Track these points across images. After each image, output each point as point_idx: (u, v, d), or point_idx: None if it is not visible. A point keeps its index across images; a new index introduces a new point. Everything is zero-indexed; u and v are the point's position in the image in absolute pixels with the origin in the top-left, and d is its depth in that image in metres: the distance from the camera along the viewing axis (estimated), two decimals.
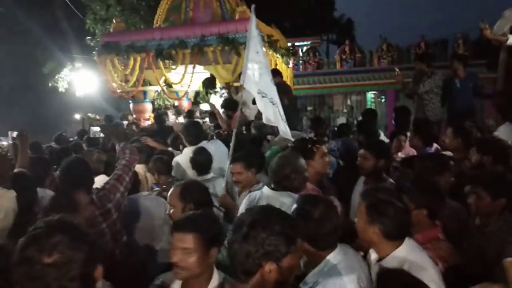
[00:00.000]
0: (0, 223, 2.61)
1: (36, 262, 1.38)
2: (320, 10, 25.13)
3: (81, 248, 1.46)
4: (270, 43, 7.93)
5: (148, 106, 8.62)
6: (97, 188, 3.15)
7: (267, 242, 1.55)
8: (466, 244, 2.62)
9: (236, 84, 7.38)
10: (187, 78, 7.73)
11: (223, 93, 8.22)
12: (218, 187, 3.62)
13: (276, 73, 6.79)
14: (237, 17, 7.72)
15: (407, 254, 2.02)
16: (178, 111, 7.76)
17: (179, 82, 7.76)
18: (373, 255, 2.17)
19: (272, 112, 3.74)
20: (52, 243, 1.41)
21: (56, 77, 15.39)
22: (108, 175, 3.51)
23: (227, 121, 6.10)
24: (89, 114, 8.06)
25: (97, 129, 8.00)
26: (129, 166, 3.32)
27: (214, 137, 5.03)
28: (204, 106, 9.13)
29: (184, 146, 4.72)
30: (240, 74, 6.95)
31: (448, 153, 4.27)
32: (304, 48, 16.12)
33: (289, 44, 10.70)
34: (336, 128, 6.55)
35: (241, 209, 2.85)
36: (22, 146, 3.55)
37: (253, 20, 3.82)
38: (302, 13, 23.64)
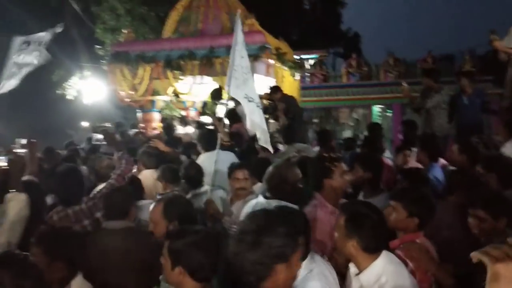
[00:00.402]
0: (10, 225, 2.62)
1: None
2: (327, 23, 25.29)
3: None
4: (278, 56, 8.00)
5: (156, 116, 8.69)
6: (88, 197, 3.19)
7: (275, 245, 1.58)
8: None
9: None
10: (195, 88, 7.80)
11: (227, 104, 8.25)
12: (215, 198, 3.58)
13: (276, 89, 6.85)
14: (245, 29, 7.79)
15: (384, 266, 2.04)
16: (185, 122, 7.82)
17: (187, 93, 7.83)
18: (352, 269, 2.17)
19: (259, 116, 3.77)
20: None
21: (65, 84, 15.56)
22: None
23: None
24: (97, 123, 8.15)
25: (100, 136, 8.05)
26: (123, 175, 3.37)
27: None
28: (206, 118, 9.20)
29: (195, 155, 4.76)
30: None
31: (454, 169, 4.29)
32: (311, 61, 16.20)
33: (296, 56, 10.78)
34: (341, 141, 6.58)
35: (241, 217, 2.88)
36: (30, 153, 3.61)
37: (239, 25, 3.88)
38: (309, 26, 23.81)
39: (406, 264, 2.20)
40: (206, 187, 3.67)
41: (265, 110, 6.58)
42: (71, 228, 2.77)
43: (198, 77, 7.62)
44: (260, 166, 3.85)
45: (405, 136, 5.66)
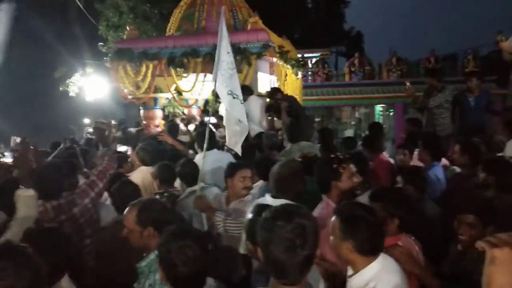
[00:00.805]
0: (19, 221, 2.60)
1: None
2: (330, 22, 25.26)
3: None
4: (281, 54, 8.00)
5: (159, 113, 8.70)
6: (68, 192, 3.20)
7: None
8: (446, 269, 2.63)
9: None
10: (198, 86, 7.79)
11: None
12: (209, 196, 3.61)
13: (276, 91, 6.86)
14: (249, 27, 7.79)
15: (377, 272, 1.98)
16: (188, 120, 7.81)
17: (190, 90, 7.83)
18: (349, 271, 2.13)
19: (241, 113, 3.72)
20: None
21: (67, 81, 15.58)
22: None
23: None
24: (102, 119, 8.13)
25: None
26: (104, 172, 3.36)
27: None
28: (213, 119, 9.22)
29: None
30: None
31: (457, 168, 4.29)
32: (314, 60, 16.19)
33: (299, 55, 10.77)
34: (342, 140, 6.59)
35: (248, 215, 2.87)
36: (23, 152, 3.63)
37: (223, 21, 3.87)
38: (312, 25, 23.79)
39: None
40: (202, 185, 3.67)
41: (268, 108, 6.59)
42: (58, 228, 2.76)
43: (201, 75, 7.62)
44: (261, 164, 3.88)
45: (409, 134, 5.66)
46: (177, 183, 4.24)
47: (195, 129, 6.93)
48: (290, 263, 1.56)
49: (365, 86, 14.77)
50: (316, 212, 2.80)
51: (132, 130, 8.59)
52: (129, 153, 5.90)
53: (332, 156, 3.09)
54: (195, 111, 9.47)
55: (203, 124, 7.43)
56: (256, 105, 6.59)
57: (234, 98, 3.60)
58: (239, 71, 7.47)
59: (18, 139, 5.07)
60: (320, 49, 17.22)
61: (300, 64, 9.55)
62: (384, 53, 15.88)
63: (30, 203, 2.61)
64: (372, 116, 15.43)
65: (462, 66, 14.26)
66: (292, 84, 9.14)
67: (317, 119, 16.14)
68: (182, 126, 7.33)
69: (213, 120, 8.87)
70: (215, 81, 3.53)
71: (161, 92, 8.33)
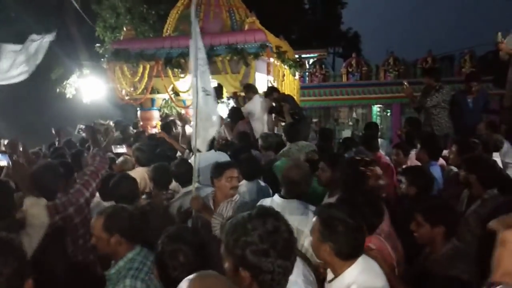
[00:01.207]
0: (32, 231, 2.59)
1: None
2: (327, 23, 25.31)
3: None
4: (279, 54, 7.99)
5: (156, 114, 8.67)
6: (62, 193, 3.21)
7: None
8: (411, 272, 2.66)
9: (243, 93, 7.44)
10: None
11: (229, 103, 8.27)
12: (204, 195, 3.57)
13: (272, 90, 6.87)
14: (246, 27, 7.79)
15: (357, 275, 1.96)
16: (184, 120, 7.80)
17: (187, 91, 7.81)
18: (328, 274, 2.10)
19: (213, 110, 3.75)
20: None
21: (64, 83, 15.52)
22: None
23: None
24: (101, 120, 8.09)
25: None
26: (97, 172, 3.37)
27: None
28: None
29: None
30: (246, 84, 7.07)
31: (454, 168, 4.29)
32: (311, 60, 16.20)
33: (296, 55, 10.78)
34: (340, 141, 6.60)
35: None
36: (12, 154, 3.61)
37: (194, 16, 3.88)
38: (309, 26, 23.83)
39: None
40: (196, 185, 3.66)
41: (271, 110, 6.58)
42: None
43: None
44: (246, 164, 3.90)
45: (406, 134, 5.67)
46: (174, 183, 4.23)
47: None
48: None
49: (362, 87, 14.80)
50: None
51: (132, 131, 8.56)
52: (124, 150, 5.89)
53: (358, 158, 3.04)
54: (192, 112, 9.45)
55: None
56: (259, 104, 6.59)
57: (207, 95, 3.59)
58: (237, 71, 7.48)
59: (5, 141, 5.04)
60: (317, 50, 17.24)
61: (298, 65, 9.55)
62: (381, 53, 15.92)
63: (42, 212, 2.62)
64: (370, 116, 15.45)
65: (459, 66, 14.31)
66: (290, 84, 9.14)
67: (314, 120, 16.16)
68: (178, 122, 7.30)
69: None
70: (196, 77, 3.51)
71: (158, 93, 8.31)
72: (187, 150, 5.40)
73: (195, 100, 3.43)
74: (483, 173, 3.27)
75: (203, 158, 4.36)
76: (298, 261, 1.95)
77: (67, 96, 15.49)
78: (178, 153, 5.61)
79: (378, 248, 2.34)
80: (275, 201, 2.86)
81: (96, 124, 8.84)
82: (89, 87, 13.93)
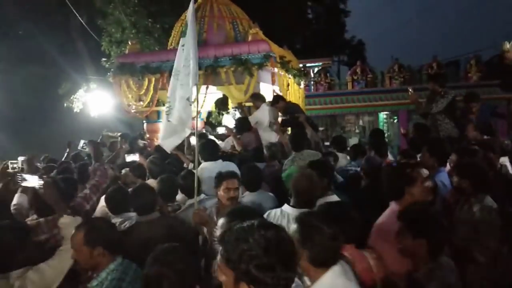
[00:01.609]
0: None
1: None
2: (331, 32, 25.39)
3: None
4: (283, 64, 8.01)
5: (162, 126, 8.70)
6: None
7: None
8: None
9: (248, 104, 7.45)
10: (200, 98, 7.80)
11: (235, 114, 8.28)
12: (208, 207, 3.56)
13: (278, 99, 6.88)
14: (249, 38, 7.83)
15: (333, 282, 1.95)
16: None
17: (193, 102, 7.83)
18: (307, 283, 2.09)
19: (190, 118, 3.82)
20: None
21: (72, 98, 15.69)
22: None
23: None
24: (109, 132, 8.17)
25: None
26: (97, 186, 3.41)
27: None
28: (220, 130, 9.20)
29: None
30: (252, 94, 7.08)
31: None
32: (316, 69, 16.23)
33: (301, 65, 10.80)
34: (348, 149, 6.56)
35: None
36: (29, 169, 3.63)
37: (192, 27, 3.92)
38: (314, 35, 23.91)
39: None
40: (202, 196, 3.64)
41: (284, 123, 6.55)
42: None
43: (203, 87, 7.63)
44: (247, 175, 3.89)
45: (412, 140, 5.63)
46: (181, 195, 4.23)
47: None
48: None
49: (368, 94, 14.79)
50: (383, 220, 2.75)
51: (140, 143, 8.60)
52: (136, 158, 5.93)
53: (404, 161, 2.99)
54: (198, 123, 9.48)
55: (205, 136, 7.44)
56: (267, 112, 6.61)
57: (189, 104, 3.69)
58: (241, 82, 7.50)
59: (22, 158, 5.09)
60: (322, 58, 17.27)
61: (302, 74, 9.56)
62: (386, 60, 15.91)
63: None
64: (376, 123, 15.41)
65: (465, 71, 14.25)
66: (295, 93, 9.14)
67: (320, 128, 16.13)
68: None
69: (221, 130, 8.87)
70: (196, 84, 3.56)
71: (164, 105, 8.34)
72: (191, 165, 5.40)
73: (173, 102, 3.49)
74: (475, 178, 3.23)
75: (209, 169, 4.36)
76: None
77: (75, 110, 15.63)
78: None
79: (353, 259, 2.31)
80: (285, 211, 2.85)
81: (104, 136, 8.93)
82: (96, 101, 14.08)
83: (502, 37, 6.36)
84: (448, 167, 4.60)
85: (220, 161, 4.75)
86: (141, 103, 8.12)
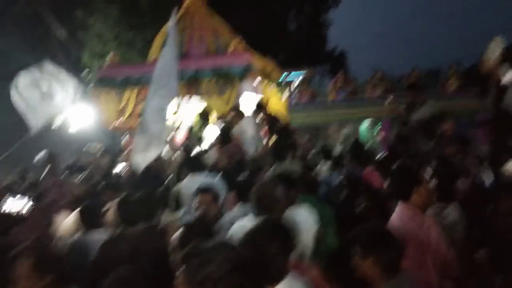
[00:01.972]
0: None
1: None
2: (313, 43, 25.63)
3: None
4: (264, 75, 8.04)
5: None
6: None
7: None
8: None
9: (230, 115, 7.43)
10: (182, 109, 7.76)
11: (218, 125, 8.25)
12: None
13: (261, 106, 6.90)
14: (230, 50, 7.85)
15: None
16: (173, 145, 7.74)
17: (174, 114, 7.78)
18: None
19: (164, 133, 3.77)
20: None
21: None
22: None
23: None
24: (91, 147, 8.05)
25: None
26: (56, 203, 3.33)
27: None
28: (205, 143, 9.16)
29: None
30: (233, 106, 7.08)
31: None
32: (298, 79, 16.31)
33: (283, 75, 10.85)
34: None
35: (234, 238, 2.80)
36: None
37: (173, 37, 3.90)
38: (296, 46, 24.10)
39: None
40: (182, 212, 3.57)
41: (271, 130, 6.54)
42: None
43: (185, 98, 7.61)
44: (242, 187, 3.83)
45: (391, 148, 5.65)
46: None
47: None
48: None
49: (351, 103, 14.89)
50: (394, 223, 2.70)
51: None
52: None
53: (410, 161, 3.00)
54: (180, 135, 9.40)
55: (188, 149, 7.38)
56: (250, 125, 6.60)
57: (163, 119, 3.62)
58: (223, 93, 7.50)
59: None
60: (304, 68, 17.37)
61: (285, 84, 9.60)
62: (368, 70, 16.08)
63: None
64: (358, 132, 15.50)
65: (445, 80, 14.49)
66: (277, 104, 9.16)
67: (305, 138, 16.13)
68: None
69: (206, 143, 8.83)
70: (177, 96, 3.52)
71: None
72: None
73: (148, 114, 3.44)
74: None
75: (189, 183, 4.31)
76: None
77: (54, 125, 15.40)
78: None
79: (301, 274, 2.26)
80: (248, 221, 2.83)
81: (86, 151, 8.80)
82: (77, 115, 13.89)
83: (481, 47, 6.58)
84: None
85: (203, 174, 4.69)
86: (122, 116, 8.05)
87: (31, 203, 3.40)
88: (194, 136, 10.12)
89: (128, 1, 14.66)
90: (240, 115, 6.90)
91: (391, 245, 2.15)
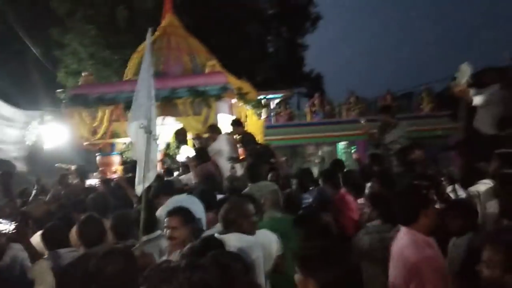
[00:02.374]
0: None
1: None
2: (291, 65, 26.01)
3: None
4: (240, 96, 8.06)
5: (116, 159, 8.44)
6: None
7: None
8: None
9: (206, 135, 7.39)
10: (157, 129, 7.68)
11: (193, 144, 8.19)
12: (163, 245, 3.38)
13: (237, 123, 6.89)
14: (207, 70, 7.87)
15: None
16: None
17: (156, 139, 7.70)
18: None
19: (156, 153, 3.72)
20: None
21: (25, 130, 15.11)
22: None
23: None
24: (62, 164, 7.87)
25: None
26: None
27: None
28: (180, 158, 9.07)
29: None
30: (211, 125, 7.05)
31: None
32: (276, 101, 16.45)
33: (262, 96, 10.92)
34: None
35: None
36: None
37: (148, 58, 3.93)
38: (273, 68, 24.40)
39: None
40: (158, 233, 3.46)
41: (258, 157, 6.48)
42: None
43: (160, 118, 7.53)
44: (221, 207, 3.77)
45: (364, 169, 5.69)
46: None
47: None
48: None
49: (327, 125, 15.08)
50: (398, 247, 2.59)
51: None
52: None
53: (417, 182, 2.82)
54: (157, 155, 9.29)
55: (167, 169, 7.30)
56: (225, 142, 6.56)
57: (154, 139, 3.61)
58: (199, 113, 7.46)
59: None
60: (282, 90, 17.54)
61: (261, 105, 9.65)
62: (344, 93, 16.36)
63: None
64: (335, 153, 15.66)
65: (418, 103, 14.85)
66: (253, 125, 9.18)
67: (282, 158, 16.17)
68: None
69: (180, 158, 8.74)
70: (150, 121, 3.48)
71: (119, 137, 8.16)
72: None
73: (140, 144, 3.39)
74: (383, 208, 3.42)
75: (172, 202, 4.18)
76: None
77: (27, 143, 15.03)
78: None
79: None
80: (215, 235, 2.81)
81: (58, 169, 8.56)
82: (51, 133, 13.60)
83: (453, 69, 6.86)
84: None
85: (184, 194, 4.54)
86: (95, 135, 7.91)
87: None
88: (169, 157, 10.03)
89: (105, 20, 14.62)
90: (214, 134, 6.86)
91: (332, 268, 1.78)
